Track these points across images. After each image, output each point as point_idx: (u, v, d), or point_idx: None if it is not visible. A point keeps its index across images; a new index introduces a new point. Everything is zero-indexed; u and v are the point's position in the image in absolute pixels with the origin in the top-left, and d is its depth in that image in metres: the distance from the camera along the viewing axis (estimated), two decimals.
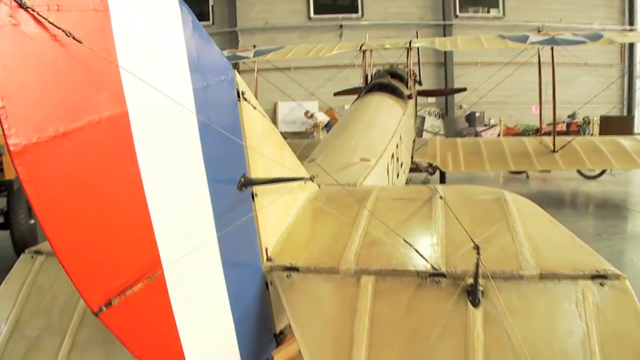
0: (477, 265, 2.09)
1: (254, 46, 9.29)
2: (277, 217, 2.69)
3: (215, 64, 2.03)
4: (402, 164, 6.28)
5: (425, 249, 2.39)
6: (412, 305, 2.21)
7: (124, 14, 1.51)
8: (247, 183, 2.24)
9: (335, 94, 10.86)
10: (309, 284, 2.37)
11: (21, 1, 1.21)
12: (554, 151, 7.11)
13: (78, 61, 1.38)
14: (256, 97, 7.89)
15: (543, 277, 2.16)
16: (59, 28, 1.30)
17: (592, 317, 2.03)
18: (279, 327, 2.59)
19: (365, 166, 4.12)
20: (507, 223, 2.59)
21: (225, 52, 9.05)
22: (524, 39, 6.87)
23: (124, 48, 1.51)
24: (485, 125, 13.90)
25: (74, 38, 1.33)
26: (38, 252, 3.05)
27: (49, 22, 1.28)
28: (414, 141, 8.33)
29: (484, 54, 12.08)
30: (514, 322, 2.07)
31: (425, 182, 9.84)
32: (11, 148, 1.23)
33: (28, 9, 1.23)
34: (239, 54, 8.60)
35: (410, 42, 7.63)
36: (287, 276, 2.40)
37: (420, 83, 9.11)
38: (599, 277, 2.13)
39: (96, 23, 1.43)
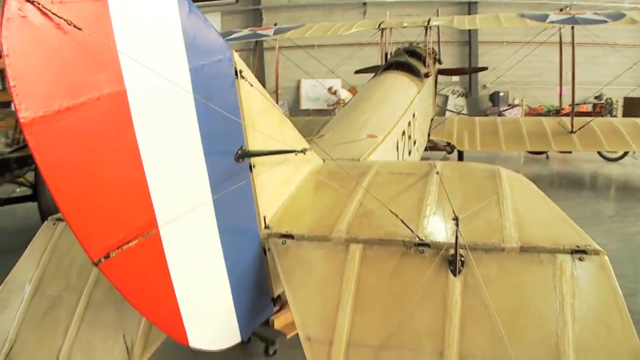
0: (457, 236, 2.20)
1: (275, 24, 9.37)
2: (277, 188, 2.84)
3: (212, 44, 2.17)
4: (415, 142, 6.32)
5: (413, 220, 2.51)
6: (396, 272, 2.35)
7: (122, 2, 1.67)
8: (244, 155, 2.39)
9: (356, 72, 10.85)
10: (302, 251, 2.52)
11: None
12: (571, 132, 7.06)
13: (79, 46, 1.56)
14: (277, 74, 8.00)
15: (523, 250, 2.27)
16: (61, 18, 1.47)
17: (568, 290, 2.13)
18: (277, 291, 2.76)
19: (371, 142, 4.22)
20: (498, 198, 2.68)
21: (246, 30, 9.17)
22: (543, 18, 6.76)
23: (121, 33, 1.68)
24: (508, 105, 13.72)
25: (74, 26, 1.50)
26: (59, 220, 3.28)
27: (53, 14, 1.46)
28: (432, 120, 8.36)
29: (509, 33, 11.82)
30: (492, 292, 2.19)
31: (444, 160, 9.85)
32: (21, 120, 1.43)
33: (34, 3, 1.42)
34: (259, 32, 8.69)
35: (428, 21, 7.61)
36: (283, 243, 2.56)
37: (440, 62, 9.06)
38: (579, 252, 2.21)
39: (96, 12, 1.60)
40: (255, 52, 9.19)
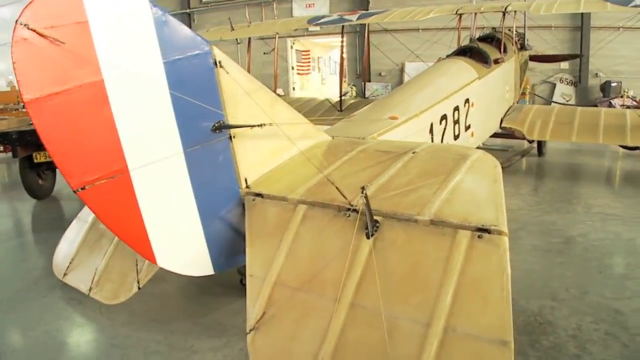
0: (367, 204, 2.61)
1: (363, 9, 9.73)
2: (264, 157, 3.39)
3: (188, 43, 2.82)
4: (468, 127, 6.44)
5: (357, 189, 2.92)
6: (325, 230, 2.82)
7: (100, 21, 2.40)
8: (221, 127, 3.02)
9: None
10: (265, 207, 3.08)
11: (28, 26, 2.19)
12: None
13: (67, 53, 2.31)
14: (366, 58, 8.57)
15: (432, 222, 2.55)
16: (52, 37, 2.24)
17: (457, 263, 2.35)
18: None
19: (388, 123, 4.58)
20: (446, 177, 2.93)
21: (335, 15, 9.72)
22: (626, 2, 6.34)
23: (100, 41, 2.40)
24: (621, 97, 12.57)
25: (60, 42, 2.24)
26: None
27: (46, 35, 2.22)
28: (510, 107, 8.25)
29: (626, 18, 10.80)
30: (393, 256, 2.53)
31: (525, 152, 9.60)
32: (24, 100, 2.24)
33: (33, 30, 2.20)
34: (345, 16, 9.17)
35: (506, 7, 7.49)
36: (253, 200, 3.16)
37: (525, 48, 8.81)
38: (482, 230, 2.41)
39: (79, 30, 2.34)
40: (342, 36, 9.65)
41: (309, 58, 20.02)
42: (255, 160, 3.35)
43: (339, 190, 2.86)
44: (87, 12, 2.36)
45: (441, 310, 2.27)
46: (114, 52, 2.47)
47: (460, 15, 8.19)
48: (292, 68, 18.70)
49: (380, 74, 16.05)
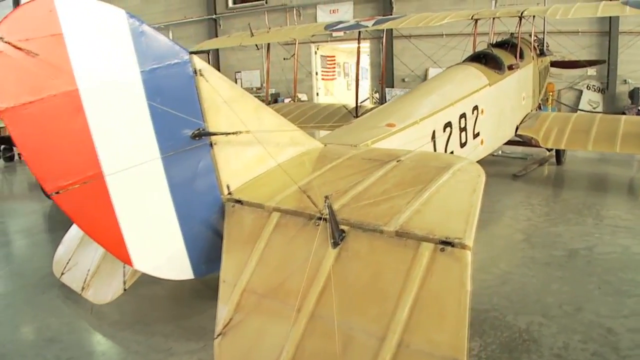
0: (331, 213, 2.63)
1: (383, 14, 9.71)
2: (248, 164, 3.44)
3: (166, 52, 2.90)
4: (477, 134, 6.35)
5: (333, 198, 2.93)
6: (295, 238, 2.85)
7: (75, 33, 2.51)
8: (200, 134, 3.10)
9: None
10: (242, 213, 3.14)
11: (4, 39, 2.31)
12: None
13: (42, 63, 2.43)
14: (384, 64, 8.58)
15: (398, 234, 2.52)
16: (27, 49, 2.36)
17: (416, 276, 2.31)
18: None
19: (384, 130, 4.57)
20: (423, 187, 2.90)
21: (353, 21, 9.74)
22: None
23: (75, 52, 2.52)
24: None
25: (34, 53, 2.36)
26: None
27: (21, 48, 2.34)
28: (527, 114, 8.10)
29: None
30: (355, 267, 2.52)
31: (544, 160, 9.36)
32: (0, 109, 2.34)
33: (8, 42, 2.32)
34: (362, 22, 9.17)
35: (522, 12, 7.37)
36: (232, 206, 3.22)
37: (544, 53, 8.62)
38: (445, 243, 2.34)
39: (54, 42, 2.46)
40: (359, 42, 9.64)
41: (334, 64, 20.07)
42: (239, 167, 3.41)
43: (309, 199, 2.90)
44: (61, 25, 2.47)
45: (397, 324, 2.24)
46: (89, 63, 2.57)
47: (477, 20, 8.09)
48: (316, 73, 18.77)
49: (403, 80, 15.96)
